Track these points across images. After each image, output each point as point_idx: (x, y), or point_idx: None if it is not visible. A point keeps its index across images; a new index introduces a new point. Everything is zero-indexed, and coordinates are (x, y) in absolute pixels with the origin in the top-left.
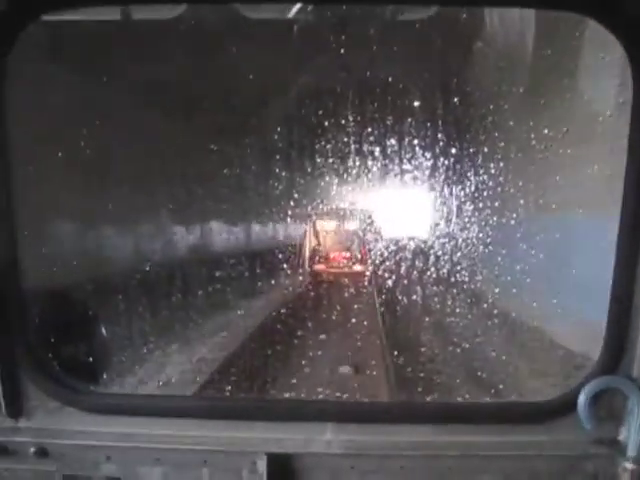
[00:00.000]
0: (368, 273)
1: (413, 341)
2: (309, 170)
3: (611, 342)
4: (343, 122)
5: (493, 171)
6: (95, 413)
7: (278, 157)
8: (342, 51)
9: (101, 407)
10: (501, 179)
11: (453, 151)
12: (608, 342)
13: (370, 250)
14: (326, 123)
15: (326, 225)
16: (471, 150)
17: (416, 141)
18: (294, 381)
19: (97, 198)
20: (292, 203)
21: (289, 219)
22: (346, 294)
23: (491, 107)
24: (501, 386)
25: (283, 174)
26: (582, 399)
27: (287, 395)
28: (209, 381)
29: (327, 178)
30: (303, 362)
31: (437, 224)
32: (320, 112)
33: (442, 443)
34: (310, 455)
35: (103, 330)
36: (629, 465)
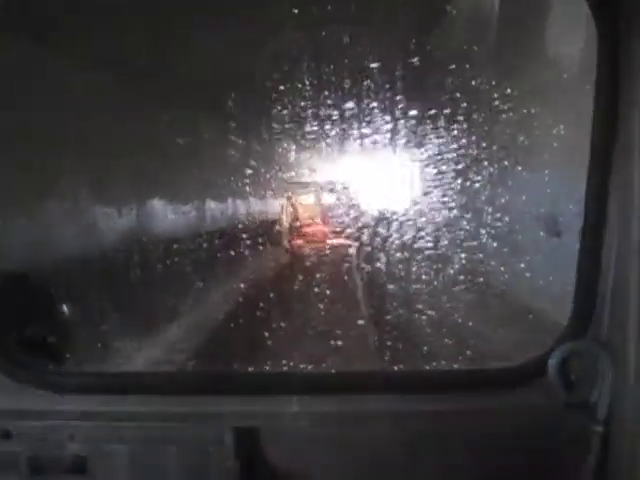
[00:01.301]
0: (348, 245)
1: (391, 311)
2: (279, 140)
3: (579, 306)
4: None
5: (456, 133)
6: (57, 392)
7: (237, 125)
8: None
9: (63, 386)
10: (464, 141)
11: (419, 114)
12: (576, 306)
13: (348, 223)
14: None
15: (303, 199)
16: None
17: (375, 104)
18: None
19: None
20: (265, 176)
21: (262, 193)
22: (325, 268)
23: (453, 67)
24: (469, 352)
25: (248, 144)
26: (552, 363)
27: (252, 368)
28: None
29: (302, 149)
30: (272, 335)
31: (407, 193)
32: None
33: (411, 411)
34: (277, 428)
35: (63, 310)
36: (599, 428)
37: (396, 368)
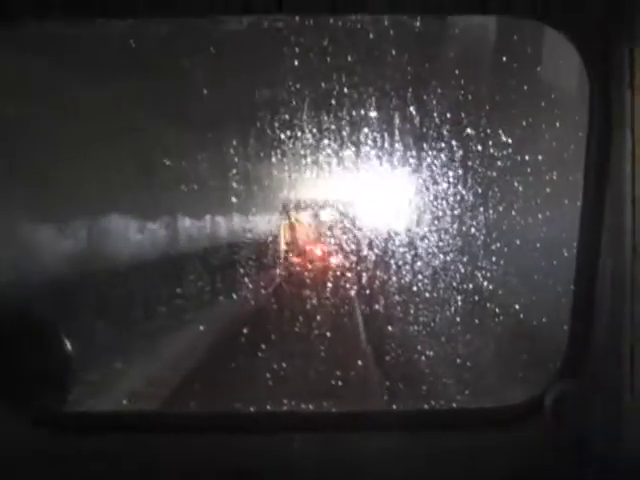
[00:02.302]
0: (347, 267)
1: (396, 341)
2: (280, 159)
3: (574, 344)
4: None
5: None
6: None
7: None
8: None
9: None
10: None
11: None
12: (571, 344)
13: (347, 243)
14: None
15: (302, 217)
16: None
17: (373, 151)
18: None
19: None
20: (263, 194)
21: (260, 212)
22: (323, 291)
23: (449, 116)
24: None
25: (249, 163)
26: (546, 402)
27: (251, 408)
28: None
29: (301, 168)
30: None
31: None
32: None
33: (411, 450)
34: (279, 468)
35: None
36: (595, 465)
37: (394, 406)
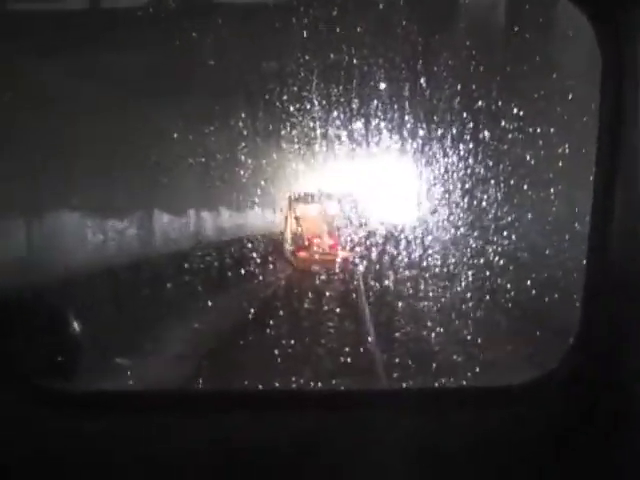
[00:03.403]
0: (353, 259)
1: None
2: (285, 151)
3: (584, 325)
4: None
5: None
6: None
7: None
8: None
9: None
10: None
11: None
12: (582, 325)
13: (354, 235)
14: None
15: (308, 210)
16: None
17: (383, 123)
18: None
19: None
20: (266, 186)
21: (264, 204)
22: (330, 283)
23: (459, 88)
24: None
25: (255, 155)
26: (554, 381)
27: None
28: None
29: (307, 160)
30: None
31: (416, 208)
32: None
33: (419, 428)
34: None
35: None
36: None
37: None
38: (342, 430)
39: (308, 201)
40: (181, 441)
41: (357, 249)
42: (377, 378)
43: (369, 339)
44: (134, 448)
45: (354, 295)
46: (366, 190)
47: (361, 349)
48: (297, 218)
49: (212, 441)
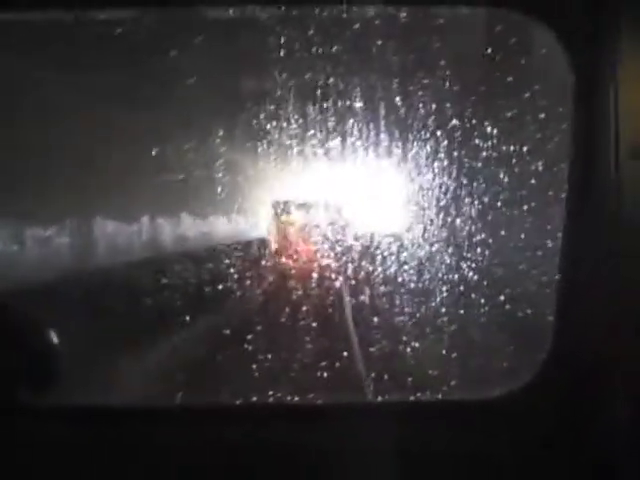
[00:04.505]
0: (337, 267)
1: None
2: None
3: (557, 336)
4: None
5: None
6: None
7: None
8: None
9: None
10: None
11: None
12: (555, 339)
13: (338, 244)
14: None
15: (292, 218)
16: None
17: (359, 142)
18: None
19: None
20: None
21: (246, 212)
22: (313, 292)
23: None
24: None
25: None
26: (527, 395)
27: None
28: None
29: (291, 165)
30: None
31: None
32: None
33: (398, 442)
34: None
35: None
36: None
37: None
38: (318, 443)
39: (289, 210)
40: (153, 457)
41: (336, 260)
42: (353, 392)
43: (351, 352)
44: (109, 463)
45: (336, 306)
46: (342, 205)
47: (342, 362)
48: (278, 227)
49: (187, 455)
